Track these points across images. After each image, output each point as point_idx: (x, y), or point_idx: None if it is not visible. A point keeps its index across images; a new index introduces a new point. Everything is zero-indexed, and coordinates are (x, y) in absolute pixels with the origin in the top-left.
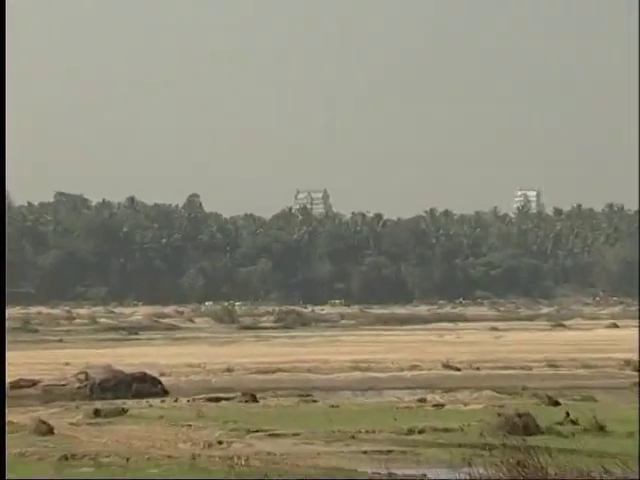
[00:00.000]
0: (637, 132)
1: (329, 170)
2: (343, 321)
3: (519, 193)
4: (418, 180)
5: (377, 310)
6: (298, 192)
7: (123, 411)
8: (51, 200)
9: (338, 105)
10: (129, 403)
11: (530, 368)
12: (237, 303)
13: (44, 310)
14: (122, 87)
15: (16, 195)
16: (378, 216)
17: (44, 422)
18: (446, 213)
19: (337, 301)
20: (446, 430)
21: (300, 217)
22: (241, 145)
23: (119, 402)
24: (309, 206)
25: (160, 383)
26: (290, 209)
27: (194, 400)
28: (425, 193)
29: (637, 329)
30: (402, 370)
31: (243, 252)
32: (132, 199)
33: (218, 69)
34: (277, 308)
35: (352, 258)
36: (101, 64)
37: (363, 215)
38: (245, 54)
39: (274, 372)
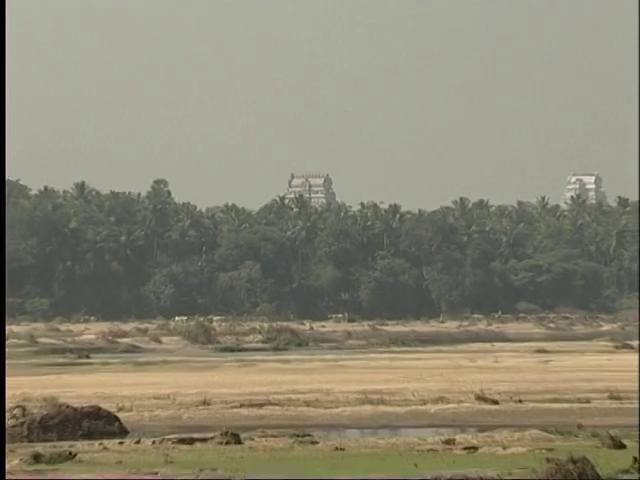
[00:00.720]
0: None
1: (332, 150)
2: (350, 341)
3: (573, 179)
4: (444, 162)
5: (393, 327)
6: (293, 177)
7: (70, 455)
8: None
9: (342, 69)
10: (78, 445)
11: (587, 401)
12: (216, 318)
13: None
14: (72, 47)
15: None
16: (394, 208)
17: None
18: (480, 204)
19: (342, 315)
20: None
21: (295, 209)
22: (220, 118)
23: (65, 444)
24: (306, 195)
25: (118, 420)
26: (282, 199)
27: (161, 441)
28: (454, 178)
29: None
30: (425, 403)
31: (223, 253)
32: (82, 186)
33: (191, 32)
34: (266, 324)
35: (361, 261)
36: (42, 32)
37: (375, 206)
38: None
39: (262, 406)
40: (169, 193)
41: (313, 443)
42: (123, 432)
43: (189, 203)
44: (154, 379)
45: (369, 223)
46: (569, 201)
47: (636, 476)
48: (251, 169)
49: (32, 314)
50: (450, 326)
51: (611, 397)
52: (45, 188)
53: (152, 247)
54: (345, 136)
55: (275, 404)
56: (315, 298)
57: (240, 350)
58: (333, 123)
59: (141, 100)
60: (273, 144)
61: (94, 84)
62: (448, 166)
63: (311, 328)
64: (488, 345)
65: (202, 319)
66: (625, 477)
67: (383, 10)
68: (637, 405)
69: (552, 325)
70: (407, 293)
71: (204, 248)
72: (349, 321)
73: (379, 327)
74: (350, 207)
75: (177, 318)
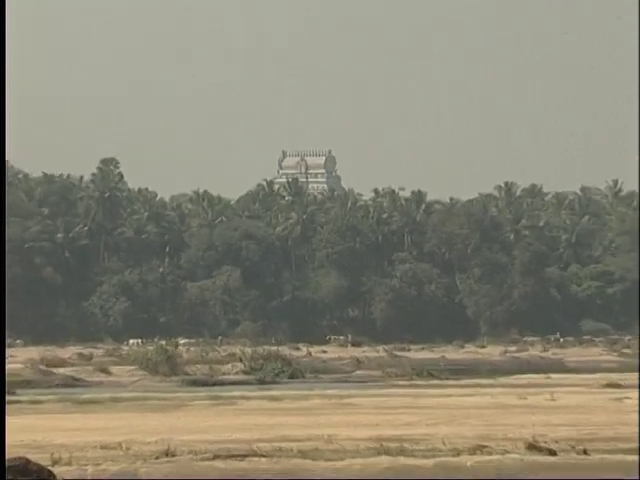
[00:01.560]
0: None
1: (335, 120)
2: (359, 372)
3: None
4: (484, 136)
5: (416, 353)
6: (284, 155)
7: None
8: None
9: (349, 24)
10: None
11: None
12: (183, 341)
13: None
14: None
15: None
16: (418, 196)
17: None
18: (532, 191)
19: (345, 337)
20: None
21: (288, 197)
22: (189, 78)
23: None
24: (302, 179)
25: (52, 476)
26: (270, 184)
27: None
28: (496, 158)
29: None
30: (459, 454)
31: (192, 256)
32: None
33: None
34: (249, 350)
35: (375, 266)
36: None
37: (393, 194)
38: None
39: (244, 457)
40: (121, 176)
41: None
42: None
43: (147, 189)
44: (101, 422)
45: (385, 216)
46: None
47: None
48: (229, 145)
49: None
50: (492, 352)
51: None
52: None
53: (98, 248)
54: (353, 102)
55: (261, 455)
56: (313, 315)
57: (215, 384)
58: (337, 86)
59: (83, 53)
60: (259, 112)
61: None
62: (489, 141)
63: (309, 354)
64: (543, 377)
65: (164, 343)
66: None
67: None
68: None
69: (627, 351)
70: (435, 309)
71: (167, 249)
72: (356, 345)
73: (398, 353)
74: (360, 195)
75: (131, 341)
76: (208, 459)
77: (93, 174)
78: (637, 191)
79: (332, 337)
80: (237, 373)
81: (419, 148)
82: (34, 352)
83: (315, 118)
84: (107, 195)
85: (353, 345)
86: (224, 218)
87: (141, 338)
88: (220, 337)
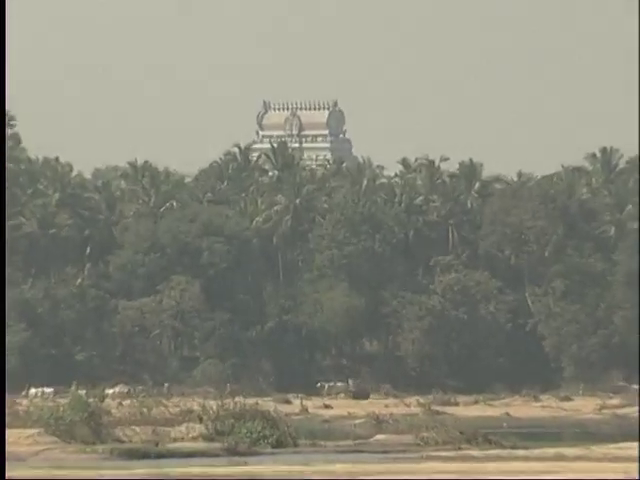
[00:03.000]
0: None
1: (341, 62)
2: (380, 436)
3: None
4: (562, 86)
5: (467, 408)
6: (267, 109)
7: None
8: None
9: None
10: None
11: None
12: (111, 391)
13: None
14: None
15: None
16: (470, 169)
17: None
18: None
19: (360, 384)
20: None
21: (272, 172)
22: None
23: None
24: (294, 144)
25: None
26: (246, 152)
27: None
28: (585, 117)
29: None
30: None
31: (127, 261)
32: None
33: None
34: (214, 403)
35: (405, 275)
36: None
37: (431, 166)
38: None
39: None
40: (19, 141)
41: None
42: None
43: (57, 160)
44: None
45: (419, 201)
46: None
47: None
48: (183, 92)
49: None
50: (584, 407)
51: None
52: None
53: None
54: (367, 39)
55: None
56: (311, 351)
57: (161, 456)
58: (344, 15)
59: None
60: (228, 50)
61: None
62: (571, 93)
63: (304, 410)
64: None
65: (83, 393)
66: None
67: None
68: None
69: None
70: (495, 340)
71: (88, 250)
72: (383, 395)
73: (440, 408)
74: (382, 168)
75: (33, 391)
76: None
77: None
78: None
79: (326, 384)
80: (195, 439)
81: (467, 102)
82: None
83: (313, 57)
84: None
85: (381, 395)
86: (175, 204)
87: (48, 386)
88: (167, 384)
